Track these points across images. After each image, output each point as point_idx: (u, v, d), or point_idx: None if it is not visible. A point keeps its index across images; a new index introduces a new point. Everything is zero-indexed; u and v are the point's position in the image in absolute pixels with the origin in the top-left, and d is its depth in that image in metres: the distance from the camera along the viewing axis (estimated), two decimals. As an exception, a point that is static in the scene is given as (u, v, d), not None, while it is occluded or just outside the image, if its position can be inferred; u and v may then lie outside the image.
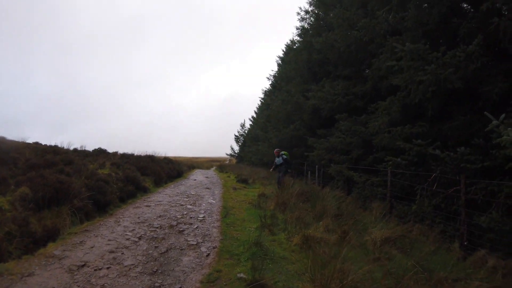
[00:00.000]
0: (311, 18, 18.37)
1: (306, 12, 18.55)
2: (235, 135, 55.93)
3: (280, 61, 29.19)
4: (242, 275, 3.92)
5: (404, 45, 6.85)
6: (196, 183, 15.14)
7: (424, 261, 4.37)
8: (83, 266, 4.21)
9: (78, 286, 3.67)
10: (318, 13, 17.42)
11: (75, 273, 3.98)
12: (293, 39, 26.23)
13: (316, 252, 4.65)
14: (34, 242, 4.76)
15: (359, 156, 10.27)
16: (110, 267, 4.23)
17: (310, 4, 18.15)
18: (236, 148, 56.77)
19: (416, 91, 6.93)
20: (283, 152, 11.98)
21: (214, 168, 36.45)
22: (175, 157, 28.21)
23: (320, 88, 12.93)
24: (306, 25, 18.90)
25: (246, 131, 52.36)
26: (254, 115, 46.73)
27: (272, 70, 32.42)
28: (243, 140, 53.36)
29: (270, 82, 33.09)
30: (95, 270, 4.11)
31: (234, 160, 56.98)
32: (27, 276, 3.82)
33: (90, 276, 3.92)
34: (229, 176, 19.93)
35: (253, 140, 34.79)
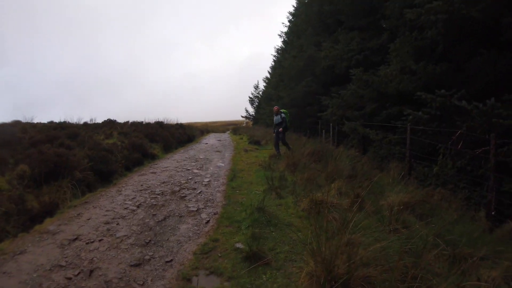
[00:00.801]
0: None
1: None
2: (249, 97, 55.07)
3: (291, 17, 27.78)
4: (240, 245, 3.54)
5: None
6: (207, 147, 14.86)
7: (446, 232, 3.81)
8: (75, 240, 4.01)
9: (66, 261, 3.44)
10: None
11: (66, 248, 3.78)
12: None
13: (324, 219, 4.21)
14: (31, 219, 4.67)
15: (373, 111, 9.53)
16: (102, 239, 4.01)
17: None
18: (251, 110, 56.14)
19: (429, 24, 6.13)
20: (282, 110, 10.97)
21: (229, 131, 36.19)
22: (190, 123, 28.01)
23: (333, 43, 12.04)
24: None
25: (260, 93, 51.50)
26: (268, 76, 45.63)
27: (285, 26, 30.93)
28: (257, 102, 52.65)
29: (282, 40, 31.77)
30: (87, 243, 3.90)
31: (251, 123, 56.60)
32: (19, 254, 3.65)
33: (80, 250, 3.71)
34: (241, 138, 19.55)
35: (266, 100, 34.11)
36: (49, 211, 5.01)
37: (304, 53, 15.20)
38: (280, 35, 31.69)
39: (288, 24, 29.37)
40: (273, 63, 41.90)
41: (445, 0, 5.53)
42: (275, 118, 10.84)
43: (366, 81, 9.05)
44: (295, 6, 26.74)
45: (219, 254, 3.44)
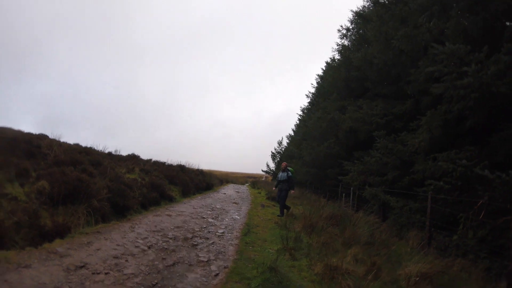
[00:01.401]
0: (352, 36, 18.00)
1: (347, 29, 18.22)
2: (272, 152, 55.66)
3: (319, 79, 28.76)
4: (249, 304, 3.40)
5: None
6: (225, 197, 14.84)
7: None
8: (81, 267, 3.99)
9: (70, 286, 3.43)
10: (359, 30, 17.04)
11: (71, 273, 3.77)
12: (333, 56, 25.82)
13: (337, 286, 4.06)
14: (41, 236, 4.67)
15: (395, 178, 9.41)
16: (109, 272, 3.96)
17: (352, 22, 17.86)
18: (272, 165, 56.35)
19: (457, 98, 6.23)
20: (289, 168, 10.67)
21: (248, 183, 36.15)
22: (210, 170, 28.26)
23: (357, 108, 12.28)
24: (346, 43, 18.54)
25: (283, 149, 51.99)
26: (292, 133, 46.31)
27: (313, 87, 31.97)
28: (279, 158, 52.97)
29: (309, 100, 32.62)
30: (93, 273, 3.87)
31: (270, 178, 56.52)
32: (23, 267, 3.67)
33: (85, 279, 3.69)
34: (259, 193, 19.47)
35: (288, 158, 34.26)
36: (61, 232, 5.04)
37: (328, 115, 15.48)
38: (307, 95, 32.66)
39: (315, 85, 30.38)
40: (297, 122, 42.73)
41: (476, 77, 5.63)
42: (280, 174, 10.56)
43: (391, 149, 9.05)
44: (324, 68, 27.85)
45: (226, 313, 3.30)
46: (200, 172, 19.73)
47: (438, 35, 7.61)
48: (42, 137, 16.75)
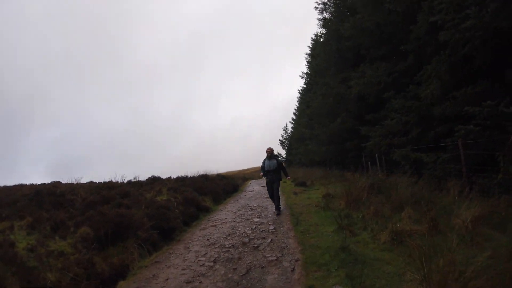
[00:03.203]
0: (331, 8, 18.02)
1: (324, 3, 18.25)
2: (280, 140, 55.85)
3: (309, 58, 28.80)
4: (338, 287, 3.57)
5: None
6: (255, 194, 15.01)
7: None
8: None
9: None
10: (337, 1, 17.10)
11: None
12: (317, 32, 25.81)
13: (410, 248, 4.24)
14: (103, 283, 4.61)
15: (419, 135, 9.60)
16: None
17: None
18: (283, 152, 56.61)
19: (463, 41, 6.47)
20: (275, 154, 9.50)
21: (266, 176, 36.25)
22: (225, 173, 28.50)
23: (360, 74, 12.39)
24: (327, 16, 18.56)
25: (289, 134, 52.15)
26: (294, 117, 46.41)
27: (306, 68, 32.02)
28: (288, 144, 53.15)
29: (304, 81, 32.72)
30: None
31: (284, 165, 56.69)
32: None
33: None
34: (284, 182, 19.57)
35: (299, 141, 34.40)
36: (120, 273, 4.98)
37: (332, 90, 15.56)
38: (301, 76, 32.78)
39: (307, 64, 30.42)
40: (297, 104, 42.85)
41: (477, 17, 5.79)
42: (267, 162, 9.05)
43: (409, 107, 9.22)
44: (311, 46, 27.85)
45: (322, 300, 3.44)
46: (223, 177, 19.96)
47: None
48: (57, 184, 16.87)
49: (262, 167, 9.25)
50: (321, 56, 18.95)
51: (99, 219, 6.08)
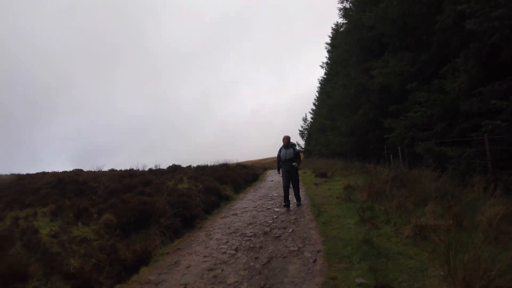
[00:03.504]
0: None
1: (344, -8, 17.91)
2: (299, 130, 55.73)
3: (329, 47, 28.38)
4: (361, 279, 3.61)
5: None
6: (275, 184, 15.09)
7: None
8: None
9: None
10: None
11: None
12: (337, 22, 25.37)
13: (433, 243, 4.26)
14: (126, 269, 4.63)
15: (444, 129, 9.44)
16: (213, 287, 3.95)
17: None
18: (302, 142, 56.47)
19: (493, 30, 6.34)
20: (292, 142, 8.91)
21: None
22: (245, 162, 28.74)
23: (384, 64, 12.19)
24: (347, 5, 18.20)
25: (309, 125, 51.90)
26: (313, 107, 46.07)
27: (326, 58, 31.53)
28: (307, 134, 52.95)
29: (324, 71, 32.31)
30: None
31: (302, 155, 56.72)
32: None
33: None
34: (305, 172, 19.67)
35: (319, 131, 34.20)
36: (143, 259, 5.03)
37: (354, 81, 15.37)
38: (321, 66, 32.35)
39: (327, 55, 30.00)
40: (317, 94, 42.45)
41: (508, 6, 5.66)
42: (284, 151, 8.70)
43: (434, 101, 9.07)
44: (331, 35, 27.42)
45: (345, 291, 3.47)
46: (243, 166, 20.15)
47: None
48: (78, 172, 17.26)
49: (278, 157, 8.86)
50: (342, 46, 18.66)
51: (122, 207, 6.23)
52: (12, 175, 17.09)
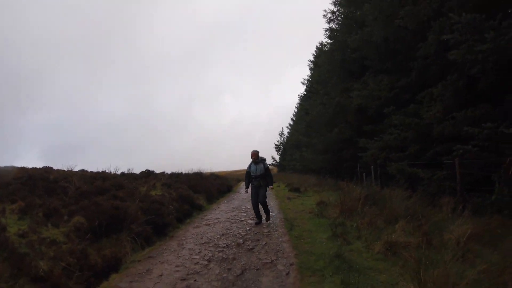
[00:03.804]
0: (339, 18, 18.17)
1: (332, 13, 18.40)
2: (275, 144, 56.11)
3: (312, 65, 28.99)
4: (334, 292, 3.66)
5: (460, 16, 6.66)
6: (248, 196, 14.80)
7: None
8: None
9: None
10: (345, 12, 17.24)
11: None
12: (322, 41, 26.03)
13: (404, 259, 4.36)
14: (95, 275, 4.48)
15: (417, 152, 9.80)
16: None
17: (335, 4, 18.01)
18: (277, 157, 56.82)
19: (474, 62, 6.68)
20: (262, 157, 8.50)
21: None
22: (219, 172, 28.58)
23: (363, 86, 12.57)
24: (334, 26, 18.70)
25: (285, 139, 52.38)
26: (291, 122, 46.64)
27: (307, 76, 32.21)
28: (282, 149, 53.37)
29: (305, 87, 32.92)
30: None
31: (275, 169, 57.04)
32: None
33: None
34: (279, 186, 19.76)
35: (294, 147, 34.57)
36: (113, 266, 4.88)
37: (333, 100, 15.72)
38: (302, 83, 32.97)
39: (309, 72, 30.61)
40: (295, 110, 43.08)
41: (494, 43, 6.01)
42: (254, 167, 8.24)
43: (408, 124, 9.41)
44: (315, 54, 28.04)
45: (317, 304, 3.50)
46: (217, 177, 20.06)
47: (438, 8, 7.96)
48: (48, 170, 16.64)
49: (247, 173, 8.41)
50: (324, 65, 19.03)
51: (94, 210, 6.06)
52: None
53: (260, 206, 8.27)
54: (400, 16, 9.10)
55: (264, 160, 8.42)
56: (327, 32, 19.29)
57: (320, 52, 25.35)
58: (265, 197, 8.20)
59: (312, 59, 28.58)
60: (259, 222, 8.16)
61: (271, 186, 8.30)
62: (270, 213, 8.84)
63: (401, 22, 9.10)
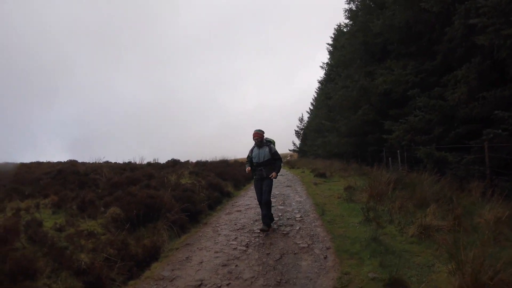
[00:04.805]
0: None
1: (353, -7, 18.19)
2: (295, 130, 55.98)
3: (330, 48, 28.62)
4: (374, 274, 3.86)
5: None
6: (274, 182, 15.22)
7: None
8: (199, 286, 3.94)
9: None
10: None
11: None
12: (340, 23, 25.63)
13: (438, 242, 4.56)
14: (137, 265, 4.53)
15: (441, 134, 9.80)
16: (230, 283, 3.96)
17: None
18: (297, 142, 56.76)
19: (503, 48, 6.63)
20: (269, 139, 6.72)
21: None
22: (242, 159, 29.00)
23: (387, 71, 12.49)
24: (353, 7, 18.48)
25: (305, 125, 52.17)
26: (311, 107, 46.36)
27: (327, 59, 31.83)
28: (303, 134, 53.22)
29: (324, 71, 32.59)
30: None
31: (296, 155, 57.07)
32: None
33: None
34: (303, 172, 19.92)
35: (316, 132, 34.45)
36: (153, 255, 4.97)
37: (356, 83, 15.63)
38: (322, 67, 32.64)
39: (328, 55, 30.24)
40: (315, 95, 42.73)
41: None
42: (256, 151, 6.52)
43: (433, 106, 9.40)
44: (333, 36, 27.65)
45: (360, 285, 3.68)
46: (241, 163, 20.34)
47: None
48: (74, 163, 17.21)
49: (249, 159, 6.67)
50: (345, 47, 18.85)
51: (130, 200, 6.15)
52: (9, 164, 16.88)
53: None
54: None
55: (270, 142, 6.62)
56: (346, 13, 19.09)
57: (339, 34, 25.01)
58: (269, 193, 6.35)
59: (331, 42, 28.22)
60: (265, 229, 6.09)
61: (274, 173, 6.32)
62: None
63: (426, 5, 8.97)
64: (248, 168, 6.66)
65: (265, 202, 6.25)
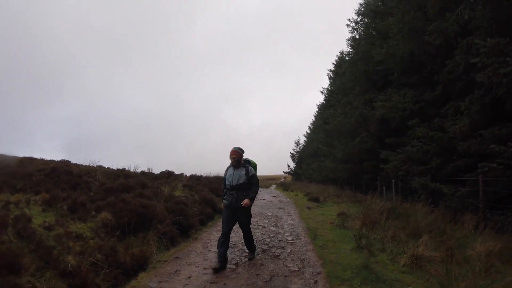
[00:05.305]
0: (362, 28, 18.36)
1: (356, 22, 18.61)
2: (291, 153, 56.20)
3: (331, 74, 29.11)
4: (363, 302, 3.83)
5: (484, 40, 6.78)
6: (268, 203, 15.10)
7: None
8: None
9: None
10: (368, 22, 17.43)
11: None
12: (343, 50, 26.17)
13: (429, 272, 4.52)
14: (124, 273, 4.47)
15: (438, 165, 9.85)
16: None
17: (358, 14, 18.24)
18: (292, 165, 56.85)
19: (500, 85, 6.82)
20: (248, 159, 5.80)
21: (274, 186, 36.73)
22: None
23: (387, 98, 12.69)
24: (357, 36, 18.89)
25: (301, 148, 52.41)
26: (308, 131, 46.70)
27: (327, 84, 32.36)
28: (298, 157, 53.38)
29: (324, 96, 33.02)
30: None
31: (290, 178, 57.05)
32: None
33: None
34: (297, 195, 19.79)
35: (311, 156, 34.56)
36: (141, 264, 4.90)
37: (355, 110, 15.82)
38: (321, 92, 33.10)
39: (328, 81, 30.72)
40: (313, 119, 43.13)
41: None
42: (231, 171, 5.53)
43: (431, 137, 9.50)
44: (335, 63, 28.16)
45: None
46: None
47: (465, 25, 8.09)
48: (66, 163, 16.93)
49: (225, 181, 5.60)
50: (346, 75, 19.16)
51: (122, 207, 6.08)
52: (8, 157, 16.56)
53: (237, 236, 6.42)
54: (428, 32, 9.22)
55: (249, 163, 5.72)
56: (349, 42, 19.50)
57: (341, 61, 25.48)
58: (247, 224, 5.71)
59: (332, 68, 28.73)
60: (219, 267, 5.03)
61: (246, 200, 5.30)
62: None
63: (429, 38, 9.22)
64: (223, 197, 5.62)
65: (245, 232, 5.73)
